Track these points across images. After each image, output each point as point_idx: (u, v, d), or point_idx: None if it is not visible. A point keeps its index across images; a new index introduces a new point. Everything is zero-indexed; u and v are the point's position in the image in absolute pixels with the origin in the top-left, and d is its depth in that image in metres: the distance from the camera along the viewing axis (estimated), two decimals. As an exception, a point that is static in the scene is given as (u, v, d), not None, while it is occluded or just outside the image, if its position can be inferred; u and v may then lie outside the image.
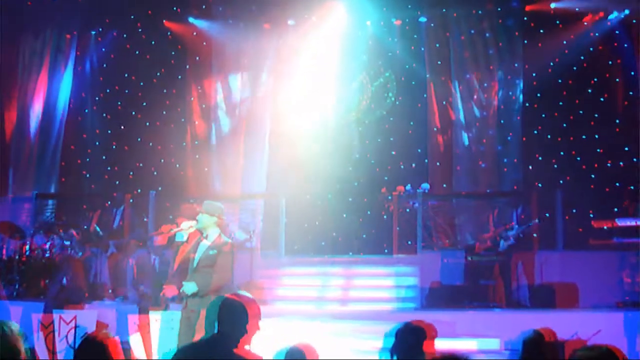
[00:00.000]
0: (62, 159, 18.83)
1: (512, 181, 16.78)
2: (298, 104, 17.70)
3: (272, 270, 15.82)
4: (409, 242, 16.32)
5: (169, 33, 18.76)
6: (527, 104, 17.12)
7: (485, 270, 14.59)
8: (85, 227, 16.36)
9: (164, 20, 18.61)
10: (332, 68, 17.68)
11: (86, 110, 19.12)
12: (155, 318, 13.29)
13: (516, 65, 17.17)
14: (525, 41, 17.21)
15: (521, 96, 17.11)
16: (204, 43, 18.69)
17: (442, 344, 6.85)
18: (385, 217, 17.19)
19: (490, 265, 14.59)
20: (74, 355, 6.03)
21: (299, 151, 17.17)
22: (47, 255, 15.43)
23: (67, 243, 15.44)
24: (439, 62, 17.59)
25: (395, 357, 6.42)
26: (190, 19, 18.64)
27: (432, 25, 17.70)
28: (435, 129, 17.49)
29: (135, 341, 13.13)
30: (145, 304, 13.95)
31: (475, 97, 17.21)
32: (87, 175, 18.99)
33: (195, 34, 18.72)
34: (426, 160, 17.58)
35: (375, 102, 18.09)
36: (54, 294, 14.27)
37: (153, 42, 18.71)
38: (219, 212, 10.45)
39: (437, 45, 17.63)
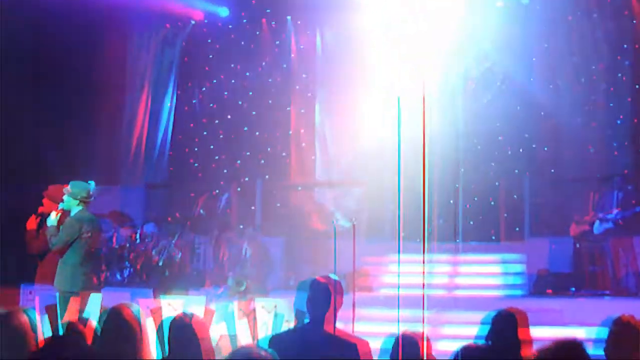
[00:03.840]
0: (170, 149, 19.20)
1: (623, 165, 16.34)
2: (403, 90, 17.57)
3: (378, 257, 15.82)
4: (517, 229, 16.13)
5: (273, 22, 18.90)
6: (637, 86, 16.67)
7: (594, 257, 14.31)
8: (192, 214, 16.65)
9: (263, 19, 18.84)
10: (437, 53, 17.48)
11: (194, 101, 19.39)
12: (261, 304, 13.46)
13: (625, 46, 16.72)
14: (634, 21, 16.75)
15: (631, 77, 16.68)
16: (308, 32, 18.76)
17: (550, 332, 6.74)
18: (492, 203, 17.00)
19: (599, 252, 14.32)
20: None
21: (403, 137, 17.07)
22: (150, 244, 15.78)
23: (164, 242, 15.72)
24: (546, 45, 17.24)
25: (490, 343, 6.36)
26: (288, 18, 18.81)
27: (537, 7, 17.33)
28: (542, 113, 17.17)
29: (240, 327, 13.29)
30: (249, 290, 14.11)
31: (583, 79, 16.84)
32: (195, 165, 19.24)
33: (299, 22, 18.82)
34: (534, 145, 17.27)
35: (481, 87, 17.83)
36: (155, 283, 14.52)
37: (257, 33, 18.87)
38: (81, 192, 10.73)
39: (543, 27, 17.29)
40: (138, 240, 16.06)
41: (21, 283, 14.41)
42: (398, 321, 10.05)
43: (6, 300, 13.20)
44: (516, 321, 6.45)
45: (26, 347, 5.53)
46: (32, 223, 11.27)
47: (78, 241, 10.69)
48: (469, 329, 12.04)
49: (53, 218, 10.79)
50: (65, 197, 10.74)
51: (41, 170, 16.58)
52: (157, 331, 12.62)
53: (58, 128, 16.83)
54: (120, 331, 5.86)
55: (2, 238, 14.33)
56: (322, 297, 6.28)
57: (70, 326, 6.34)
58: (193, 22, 19.35)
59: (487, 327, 6.45)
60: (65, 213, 10.83)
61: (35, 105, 16.15)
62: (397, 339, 6.43)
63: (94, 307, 13.09)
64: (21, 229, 12.21)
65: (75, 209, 10.77)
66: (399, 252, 14.40)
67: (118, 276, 15.92)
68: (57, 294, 10.79)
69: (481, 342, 6.37)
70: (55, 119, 16.70)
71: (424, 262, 15.65)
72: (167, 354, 6.25)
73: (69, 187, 10.78)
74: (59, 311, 10.54)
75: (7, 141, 16.00)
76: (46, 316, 13.45)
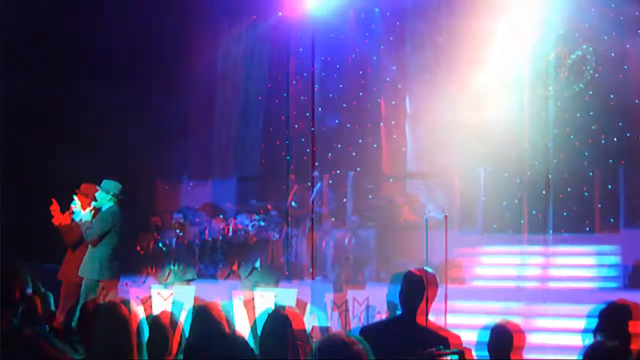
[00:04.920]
0: (261, 141, 19.38)
1: None
2: (493, 79, 17.41)
3: (470, 248, 15.75)
4: (611, 220, 15.88)
5: (361, 14, 18.90)
6: None
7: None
8: (284, 206, 16.79)
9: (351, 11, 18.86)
10: (528, 41, 17.28)
11: (284, 94, 19.50)
12: (353, 296, 13.54)
13: None
14: None
15: None
16: (397, 23, 18.72)
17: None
18: (586, 194, 16.74)
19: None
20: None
21: (495, 127, 16.91)
22: (246, 235, 15.91)
23: (263, 224, 15.81)
24: (639, 31, 16.88)
25: (598, 339, 6.23)
26: (377, 10, 18.80)
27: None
28: (636, 101, 16.81)
29: (332, 319, 13.41)
30: (341, 282, 14.19)
31: (679, 65, 16.46)
32: (287, 158, 19.36)
33: (388, 14, 18.79)
34: (628, 134, 16.92)
35: (573, 75, 17.54)
36: (245, 276, 14.66)
37: (347, 25, 18.90)
38: (113, 190, 11.32)
39: (637, 13, 16.91)
40: (230, 233, 16.23)
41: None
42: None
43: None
44: (628, 314, 6.30)
45: (128, 338, 5.66)
46: (66, 218, 11.74)
47: (109, 234, 11.16)
48: (562, 322, 12.02)
49: (88, 213, 11.31)
50: (97, 194, 11.25)
51: (136, 164, 16.93)
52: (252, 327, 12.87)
53: (153, 125, 17.13)
54: (208, 332, 5.93)
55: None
56: (415, 290, 6.28)
57: (155, 320, 6.44)
58: (280, 13, 19.48)
59: (594, 321, 6.33)
60: (96, 209, 11.34)
61: (129, 103, 16.44)
62: (491, 330, 6.38)
63: (187, 300, 13.39)
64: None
65: (107, 204, 11.27)
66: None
67: (211, 269, 16.10)
68: (84, 282, 11.27)
69: (589, 337, 6.23)
70: (149, 115, 16.97)
71: (517, 254, 15.62)
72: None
73: (101, 185, 11.33)
74: (82, 297, 11.02)
75: (104, 139, 16.38)
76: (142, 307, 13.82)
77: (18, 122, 15.76)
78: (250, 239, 15.58)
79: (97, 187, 11.42)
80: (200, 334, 5.98)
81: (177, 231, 15.56)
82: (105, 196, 11.35)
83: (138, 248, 15.73)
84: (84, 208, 11.48)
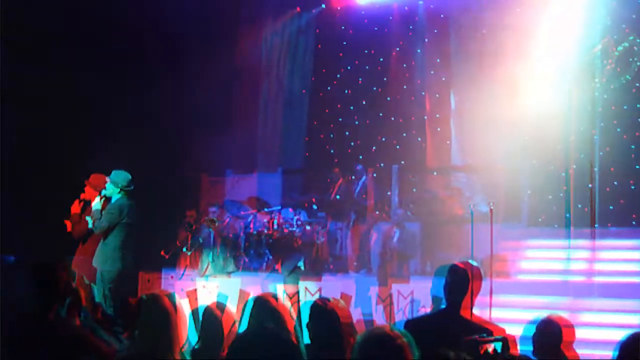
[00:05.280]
0: (306, 135, 19.43)
1: None
2: (538, 72, 17.27)
3: (515, 242, 15.64)
4: (660, 213, 15.75)
5: (405, 7, 18.87)
6: None
7: None
8: (328, 199, 16.82)
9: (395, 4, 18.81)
10: (574, 32, 17.12)
11: (328, 88, 19.54)
12: (398, 289, 13.52)
13: None
14: None
15: None
16: (441, 15, 18.65)
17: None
18: (633, 187, 16.58)
19: None
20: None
21: (540, 120, 16.79)
22: (292, 231, 15.92)
23: (309, 228, 15.82)
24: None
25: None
26: (420, 2, 18.74)
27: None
28: (684, 93, 16.64)
29: (377, 313, 13.40)
30: (385, 276, 14.18)
31: None
32: (331, 151, 19.40)
33: (432, 6, 18.72)
34: (676, 127, 16.75)
35: (620, 67, 17.35)
36: (287, 272, 14.69)
37: (390, 18, 18.88)
38: (122, 181, 11.42)
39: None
40: (275, 226, 16.27)
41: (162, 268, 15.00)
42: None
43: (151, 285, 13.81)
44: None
45: (169, 329, 5.70)
46: (75, 208, 11.80)
47: (118, 226, 11.22)
48: (608, 317, 11.91)
49: (97, 202, 11.39)
50: (107, 185, 11.33)
51: (181, 158, 17.03)
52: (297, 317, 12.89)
53: (197, 119, 17.22)
54: (270, 319, 5.95)
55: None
56: (460, 283, 6.27)
57: (207, 311, 6.50)
58: (323, 5, 19.51)
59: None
60: (107, 199, 11.42)
61: (172, 96, 16.53)
62: (538, 324, 6.35)
63: (232, 293, 13.45)
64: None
65: (116, 196, 11.34)
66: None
67: (256, 261, 16.13)
68: (98, 273, 11.37)
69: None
70: (193, 108, 17.05)
71: (562, 248, 15.50)
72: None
73: (111, 176, 11.39)
74: (96, 287, 11.12)
75: (149, 133, 16.48)
76: (187, 299, 13.91)
77: (58, 116, 15.83)
78: (295, 242, 15.59)
79: (107, 178, 11.50)
80: (257, 324, 6.00)
81: (207, 226, 15.58)
82: (113, 188, 11.45)
83: (164, 254, 15.76)
84: (93, 199, 11.58)
